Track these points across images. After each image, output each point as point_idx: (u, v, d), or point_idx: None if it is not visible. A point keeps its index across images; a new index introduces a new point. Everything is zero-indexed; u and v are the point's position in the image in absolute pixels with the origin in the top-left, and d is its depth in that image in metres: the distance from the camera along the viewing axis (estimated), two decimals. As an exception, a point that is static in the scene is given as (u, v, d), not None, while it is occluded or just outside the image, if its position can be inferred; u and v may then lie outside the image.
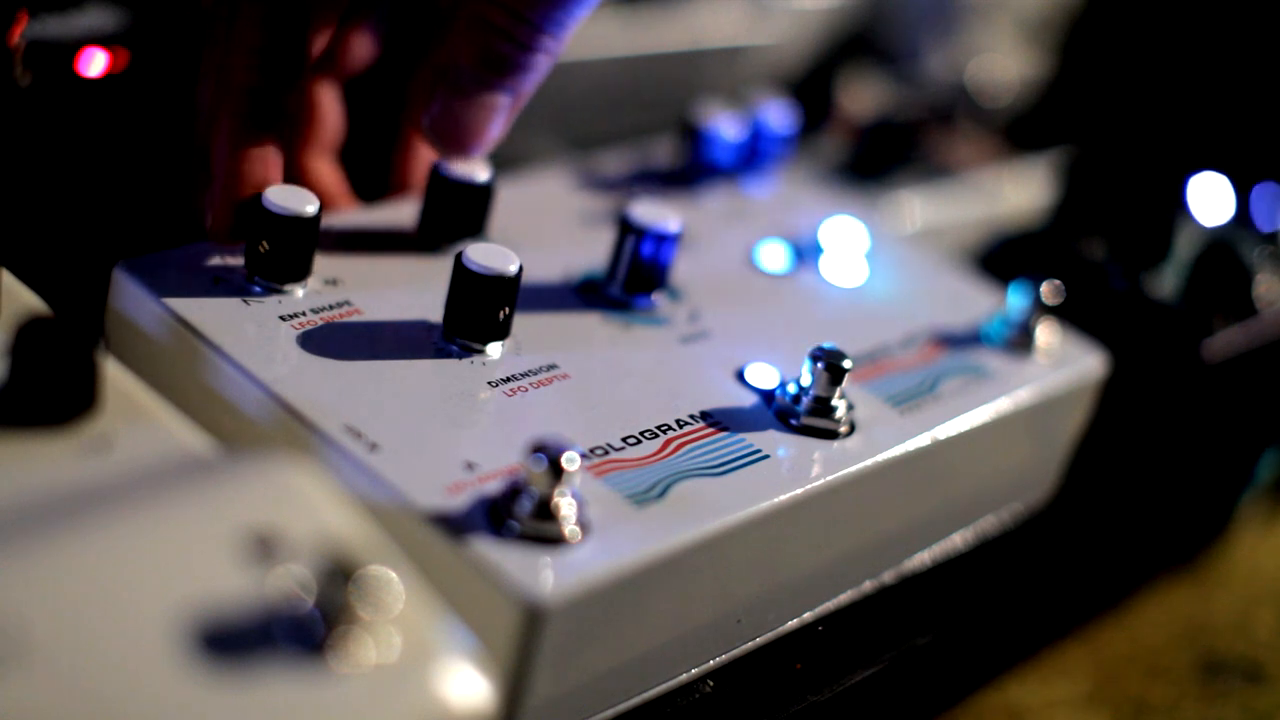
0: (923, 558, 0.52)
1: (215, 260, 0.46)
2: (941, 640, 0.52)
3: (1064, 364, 0.54)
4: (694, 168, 0.60)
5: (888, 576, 0.51)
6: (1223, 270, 0.67)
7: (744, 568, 0.43)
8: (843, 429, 0.46)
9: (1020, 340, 0.54)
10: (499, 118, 0.47)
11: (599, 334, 0.48)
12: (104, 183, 0.52)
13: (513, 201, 0.53)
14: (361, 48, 0.51)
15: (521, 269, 0.45)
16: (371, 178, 0.52)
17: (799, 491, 0.44)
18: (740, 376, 0.48)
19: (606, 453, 0.43)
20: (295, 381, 0.42)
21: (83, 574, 0.31)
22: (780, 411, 0.46)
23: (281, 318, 0.44)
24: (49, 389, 0.36)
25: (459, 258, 0.44)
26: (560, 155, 0.64)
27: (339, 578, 0.31)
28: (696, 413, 0.46)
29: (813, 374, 0.46)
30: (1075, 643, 0.62)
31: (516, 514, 0.38)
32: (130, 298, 0.44)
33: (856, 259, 0.56)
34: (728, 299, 0.52)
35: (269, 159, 0.45)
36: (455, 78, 0.46)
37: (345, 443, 0.40)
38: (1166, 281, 0.66)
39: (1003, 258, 0.69)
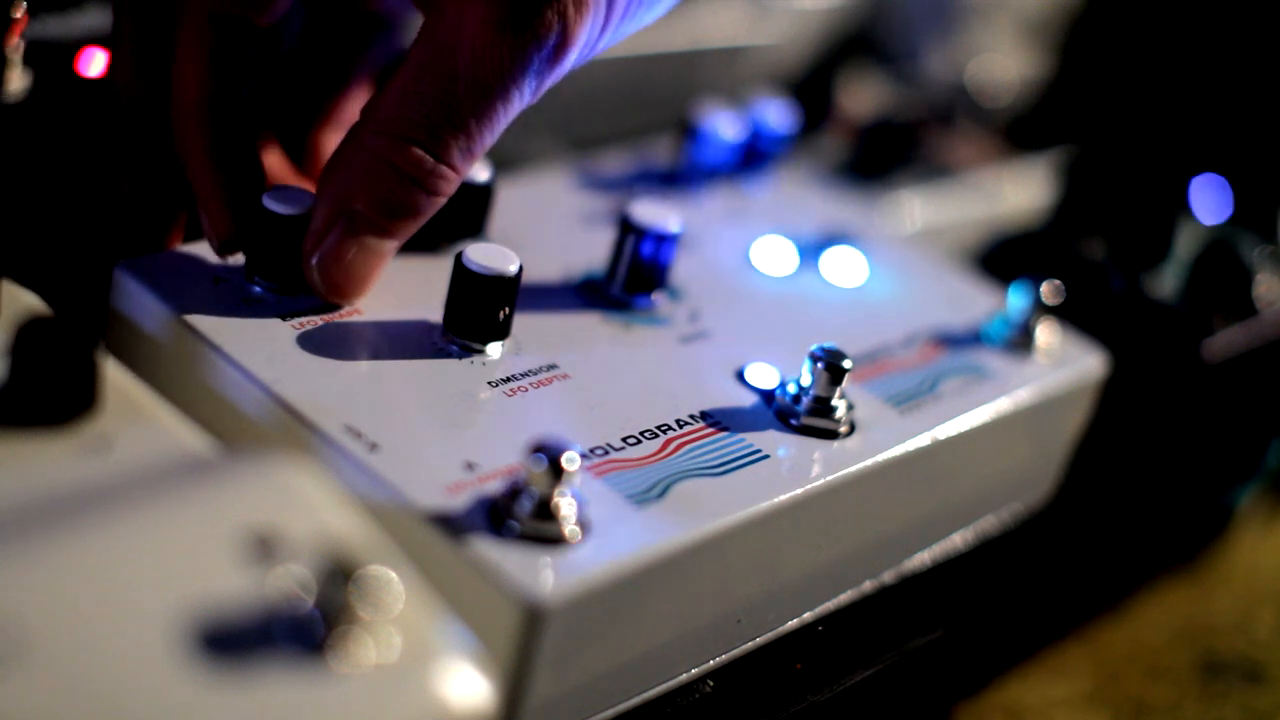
0: (923, 558, 0.52)
1: (215, 260, 0.46)
2: (942, 640, 0.52)
3: (1064, 364, 0.54)
4: (694, 167, 0.60)
5: (888, 576, 0.51)
6: (1223, 270, 0.67)
7: (744, 568, 0.43)
8: (843, 429, 0.46)
9: (1020, 340, 0.54)
10: (385, 263, 0.44)
11: (599, 334, 0.48)
12: (105, 183, 0.52)
13: (513, 201, 0.53)
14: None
15: (521, 269, 0.45)
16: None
17: (799, 491, 0.44)
18: (740, 376, 0.48)
19: (606, 453, 0.43)
20: (295, 381, 0.42)
21: (83, 574, 0.31)
22: (780, 411, 0.46)
23: (281, 317, 0.44)
24: (49, 389, 0.36)
25: (459, 258, 0.44)
26: (560, 155, 0.64)
27: (339, 578, 0.31)
28: (696, 413, 0.46)
29: (813, 374, 0.46)
30: (1075, 643, 0.62)
31: (516, 514, 0.38)
32: (130, 298, 0.44)
33: (856, 259, 0.56)
34: (728, 299, 0.52)
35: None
36: (351, 224, 0.43)
37: (345, 443, 0.40)
38: (1166, 281, 0.66)
39: (1003, 258, 0.69)
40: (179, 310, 0.43)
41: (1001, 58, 0.84)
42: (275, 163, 0.51)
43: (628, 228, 0.50)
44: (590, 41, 0.43)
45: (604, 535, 0.39)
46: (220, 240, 0.45)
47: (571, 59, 0.43)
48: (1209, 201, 0.69)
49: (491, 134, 0.43)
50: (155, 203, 0.47)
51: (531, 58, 0.42)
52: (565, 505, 0.39)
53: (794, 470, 0.44)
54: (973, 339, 0.54)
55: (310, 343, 0.44)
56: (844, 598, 0.49)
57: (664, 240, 0.50)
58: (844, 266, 0.56)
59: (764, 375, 0.48)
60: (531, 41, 0.41)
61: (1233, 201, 0.70)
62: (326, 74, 0.52)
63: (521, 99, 0.43)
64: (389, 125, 0.42)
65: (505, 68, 0.41)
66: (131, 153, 0.46)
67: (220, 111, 0.44)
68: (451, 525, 0.38)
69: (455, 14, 0.41)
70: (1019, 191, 0.75)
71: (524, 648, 0.37)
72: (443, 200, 0.43)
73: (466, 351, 0.45)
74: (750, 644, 0.46)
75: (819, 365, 0.46)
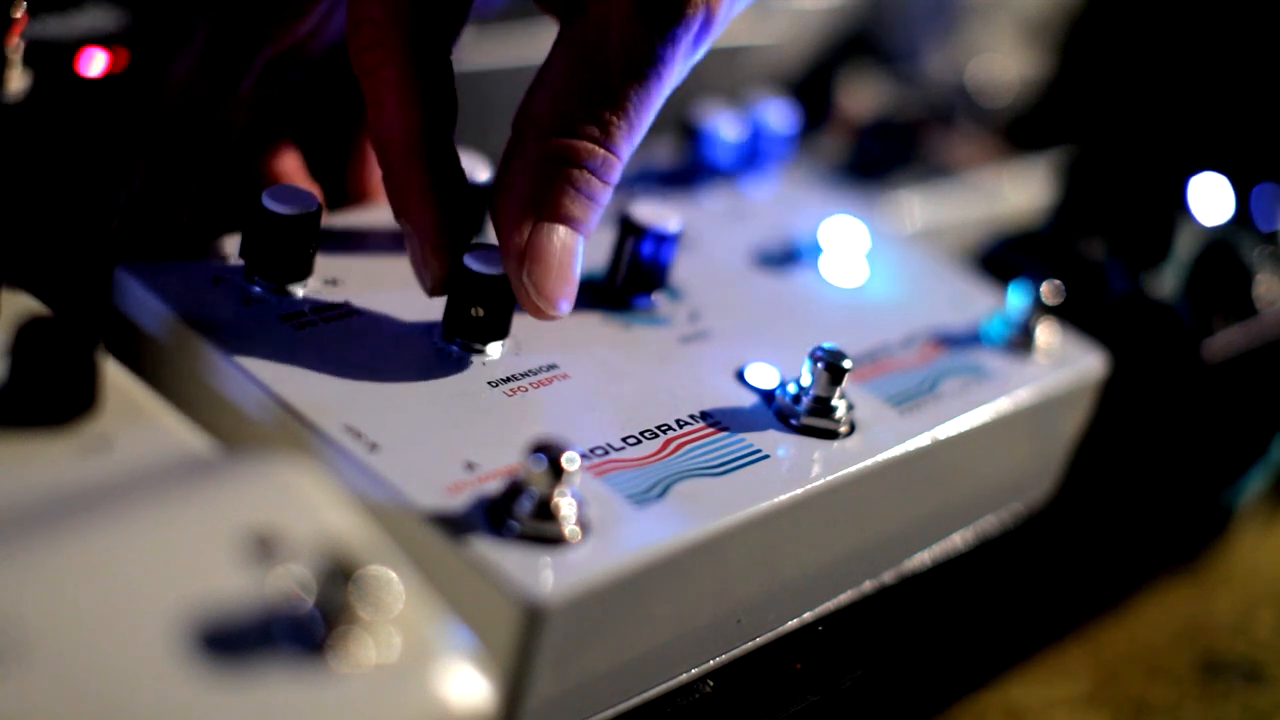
0: (923, 558, 0.52)
1: (216, 261, 0.46)
2: (940, 641, 0.52)
3: (1064, 364, 0.54)
4: (694, 168, 0.60)
5: (888, 576, 0.51)
6: (1223, 270, 0.67)
7: (744, 568, 0.43)
8: (843, 429, 0.46)
9: (1020, 340, 0.54)
10: (582, 258, 0.44)
11: (599, 334, 0.48)
12: (105, 183, 0.52)
13: (513, 201, 0.53)
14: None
15: (521, 269, 0.45)
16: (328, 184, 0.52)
17: (799, 491, 0.44)
18: (740, 376, 0.48)
19: (606, 453, 0.43)
20: (295, 381, 0.42)
21: (83, 574, 0.31)
22: (780, 411, 0.46)
23: (281, 318, 0.44)
24: (49, 389, 0.36)
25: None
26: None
27: (339, 578, 0.31)
28: (696, 413, 0.46)
29: (813, 374, 0.46)
30: (1075, 643, 0.62)
31: (516, 514, 0.38)
32: (131, 298, 0.44)
33: (856, 259, 0.56)
34: (728, 299, 0.52)
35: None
36: (544, 228, 0.43)
37: (345, 443, 0.40)
38: (1166, 281, 0.67)
39: (1003, 258, 0.69)
40: (179, 310, 0.43)
41: (1001, 58, 0.84)
42: (290, 164, 0.51)
43: (628, 228, 0.50)
44: (727, 16, 0.44)
45: (604, 535, 0.39)
46: (435, 281, 0.45)
47: (715, 36, 0.44)
48: (1209, 202, 0.69)
49: (648, 117, 0.44)
50: (168, 199, 0.47)
51: (680, 40, 0.43)
52: (565, 505, 0.39)
53: (794, 470, 0.44)
54: (973, 339, 0.54)
55: (310, 343, 0.44)
56: (844, 598, 0.49)
57: (664, 240, 0.50)
58: (846, 237, 0.56)
59: (764, 375, 0.48)
60: (680, 24, 0.43)
61: (1234, 201, 0.70)
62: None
63: (672, 81, 0.44)
64: (551, 128, 0.43)
65: (656, 53, 0.43)
66: (164, 146, 0.46)
67: (438, 148, 0.44)
68: (451, 525, 0.38)
69: (600, 11, 0.42)
70: (1019, 191, 0.75)
71: (524, 648, 0.37)
72: (613, 186, 0.44)
73: (466, 351, 0.45)
74: (750, 644, 0.46)
75: (819, 365, 0.46)
